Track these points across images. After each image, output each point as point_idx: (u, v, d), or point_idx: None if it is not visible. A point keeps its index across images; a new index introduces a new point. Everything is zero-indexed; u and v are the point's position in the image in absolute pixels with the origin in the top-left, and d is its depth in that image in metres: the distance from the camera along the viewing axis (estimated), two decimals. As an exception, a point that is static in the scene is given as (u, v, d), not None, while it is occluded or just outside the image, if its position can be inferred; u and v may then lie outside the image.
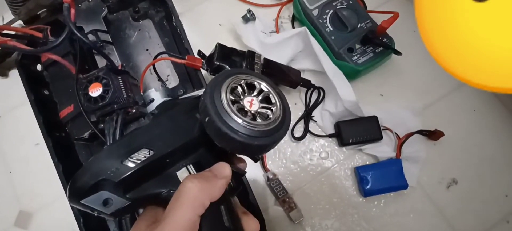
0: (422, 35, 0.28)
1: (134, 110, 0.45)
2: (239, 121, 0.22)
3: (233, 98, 0.24)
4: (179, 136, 0.26)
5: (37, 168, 0.56)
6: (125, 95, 0.44)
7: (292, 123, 0.57)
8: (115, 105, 0.43)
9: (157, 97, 0.49)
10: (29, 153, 0.58)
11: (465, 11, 0.24)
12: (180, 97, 0.41)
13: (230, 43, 0.60)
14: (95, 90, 0.43)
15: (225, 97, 0.23)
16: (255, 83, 0.26)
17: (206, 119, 0.23)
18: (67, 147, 0.52)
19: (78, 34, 0.37)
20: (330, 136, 0.55)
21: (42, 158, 0.51)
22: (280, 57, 0.57)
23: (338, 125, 0.55)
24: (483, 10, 0.23)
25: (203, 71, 0.50)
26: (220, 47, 0.48)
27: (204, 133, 0.24)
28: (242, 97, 0.25)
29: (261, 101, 0.26)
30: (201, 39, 0.61)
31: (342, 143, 0.54)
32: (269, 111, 0.25)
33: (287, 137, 0.57)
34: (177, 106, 0.29)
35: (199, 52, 0.49)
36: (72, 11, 0.40)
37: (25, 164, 0.58)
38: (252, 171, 0.55)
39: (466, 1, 0.24)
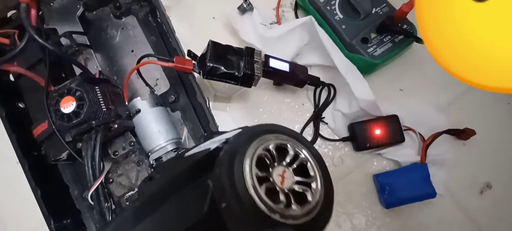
0: (422, 36, 0.27)
1: (116, 125, 0.39)
2: (270, 213, 0.16)
3: (261, 174, 0.18)
4: (185, 220, 0.19)
5: (21, 189, 0.51)
6: (104, 109, 0.38)
7: (301, 125, 0.50)
8: (93, 122, 0.37)
9: (143, 107, 0.42)
10: (11, 172, 0.52)
11: (465, 11, 0.25)
12: (185, 156, 0.33)
13: (225, 39, 0.53)
14: (68, 106, 0.36)
15: (250, 174, 0.17)
16: (288, 146, 0.20)
17: (224, 205, 0.17)
18: (47, 167, 0.46)
19: (39, 39, 0.31)
20: (343, 139, 0.49)
21: (24, 178, 0.46)
22: (284, 53, 0.50)
23: (352, 127, 0.48)
24: (483, 10, 0.24)
25: (196, 75, 0.43)
26: (213, 46, 0.41)
27: (216, 211, 0.18)
28: (271, 169, 0.19)
29: (296, 171, 0.19)
30: (193, 36, 0.54)
31: (358, 147, 0.48)
32: (307, 191, 0.19)
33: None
34: (182, 175, 0.23)
35: (189, 52, 0.42)
36: (33, 12, 0.33)
37: (7, 185, 0.53)
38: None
39: (466, 1, 0.24)
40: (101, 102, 0.38)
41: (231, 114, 0.53)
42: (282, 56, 0.47)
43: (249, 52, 0.43)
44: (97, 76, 0.40)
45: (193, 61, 0.42)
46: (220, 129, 0.51)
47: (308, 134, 0.50)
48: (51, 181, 0.45)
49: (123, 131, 0.41)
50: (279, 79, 0.48)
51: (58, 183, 0.47)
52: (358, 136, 0.47)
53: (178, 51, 0.44)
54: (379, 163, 0.48)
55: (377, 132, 0.47)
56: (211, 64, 0.40)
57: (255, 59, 0.43)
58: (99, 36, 0.51)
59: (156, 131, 0.41)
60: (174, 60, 0.40)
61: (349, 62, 0.46)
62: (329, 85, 0.50)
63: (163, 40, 0.49)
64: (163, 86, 0.50)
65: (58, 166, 0.47)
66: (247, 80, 0.42)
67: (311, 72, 0.49)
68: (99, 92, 0.39)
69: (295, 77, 0.46)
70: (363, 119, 0.48)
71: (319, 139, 0.50)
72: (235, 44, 0.46)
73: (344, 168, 0.49)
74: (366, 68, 0.48)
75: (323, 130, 0.50)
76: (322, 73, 0.51)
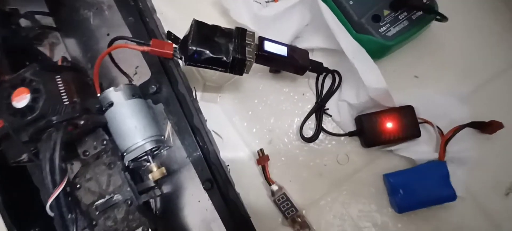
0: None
1: (83, 122, 0.33)
2: None
3: None
4: None
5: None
6: (67, 102, 0.32)
7: (301, 118, 0.44)
8: (54, 118, 0.31)
9: (117, 99, 0.36)
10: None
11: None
12: None
13: (215, 19, 0.46)
14: (21, 99, 0.30)
15: None
16: None
17: None
18: (11, 169, 0.40)
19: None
20: (350, 134, 0.43)
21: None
22: (281, 35, 0.43)
23: (360, 120, 0.42)
24: None
25: (181, 61, 0.37)
26: (197, 26, 0.35)
27: None
28: None
29: None
30: (178, 16, 0.47)
31: (367, 142, 0.42)
32: None
33: (295, 138, 0.44)
34: None
35: (169, 34, 0.35)
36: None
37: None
38: (251, 182, 0.43)
39: None
40: (62, 94, 0.32)
41: (222, 106, 0.47)
42: (279, 38, 0.41)
43: (240, 33, 0.36)
44: (59, 63, 0.34)
45: (174, 45, 0.35)
46: (209, 123, 0.45)
47: (310, 128, 0.44)
48: (17, 184, 0.40)
49: (93, 127, 0.35)
50: (276, 65, 0.42)
51: (26, 186, 0.41)
52: (366, 130, 0.41)
53: (156, 33, 0.38)
54: (391, 161, 0.42)
55: (389, 125, 0.41)
56: (194, 48, 0.33)
57: (247, 41, 0.36)
58: (70, 17, 0.45)
59: (132, 127, 0.35)
60: (151, 43, 0.34)
61: (358, 44, 0.40)
62: (334, 72, 0.44)
63: (142, 20, 0.43)
64: (144, 74, 0.44)
65: (27, 166, 0.42)
66: (238, 67, 0.35)
67: (313, 57, 0.43)
68: (60, 82, 0.32)
69: (294, 63, 0.40)
70: (372, 110, 0.42)
71: (321, 134, 0.44)
72: (226, 25, 0.39)
73: (350, 167, 0.43)
74: (378, 51, 0.41)
75: (327, 123, 0.44)
76: (325, 58, 0.44)
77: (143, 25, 0.42)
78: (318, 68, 0.43)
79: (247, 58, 0.35)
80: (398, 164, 0.42)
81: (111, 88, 0.37)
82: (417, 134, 0.41)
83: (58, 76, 0.33)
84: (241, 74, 0.37)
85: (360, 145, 0.43)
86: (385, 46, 0.40)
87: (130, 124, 0.36)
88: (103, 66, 0.41)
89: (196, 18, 0.36)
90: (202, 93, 0.47)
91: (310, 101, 0.45)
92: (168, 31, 0.36)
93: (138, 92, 0.39)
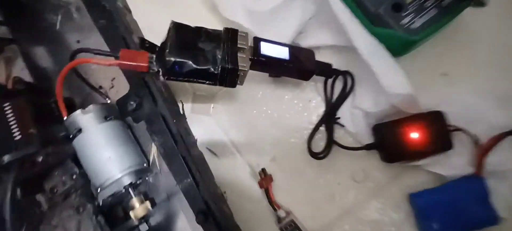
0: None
1: (41, 158, 0.27)
2: None
3: None
4: None
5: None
6: (18, 136, 0.25)
7: (308, 131, 0.38)
8: (5, 157, 0.25)
9: (87, 123, 0.30)
10: None
11: None
12: None
13: (201, 19, 0.39)
14: (-43, 137, 0.24)
15: None
16: None
17: None
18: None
19: None
20: (367, 147, 0.36)
21: None
22: (280, 32, 0.37)
23: (379, 130, 0.36)
24: None
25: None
26: (177, 30, 0.28)
27: None
28: None
29: None
30: (159, 18, 0.40)
31: (388, 157, 0.36)
32: None
33: (302, 153, 0.38)
34: None
35: (142, 41, 0.29)
36: None
37: None
38: (254, 208, 0.38)
39: None
40: (13, 126, 0.26)
41: (216, 118, 0.40)
42: (278, 38, 0.34)
43: (230, 35, 0.30)
44: (10, 86, 0.28)
45: (150, 54, 0.29)
46: (202, 139, 0.39)
47: (319, 142, 0.38)
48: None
49: (57, 162, 0.29)
50: (276, 71, 0.35)
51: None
52: (387, 142, 0.35)
53: (129, 40, 0.31)
54: (417, 177, 0.36)
55: (414, 135, 0.34)
56: (173, 59, 0.27)
57: (239, 45, 0.29)
58: (31, 24, 0.38)
59: (105, 158, 0.29)
60: (119, 55, 0.28)
61: (375, 40, 0.33)
62: (345, 74, 0.37)
63: (116, 24, 0.36)
64: (122, 87, 0.37)
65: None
66: (229, 78, 0.29)
67: (320, 56, 0.36)
68: (10, 111, 0.26)
69: (298, 67, 0.33)
70: (392, 117, 0.35)
71: (333, 147, 0.37)
72: (215, 24, 0.32)
73: (369, 185, 0.37)
74: (400, 48, 0.34)
75: (339, 135, 0.38)
76: (335, 57, 0.38)
77: (116, 28, 0.35)
78: (327, 71, 0.36)
79: (240, 67, 0.28)
80: (425, 180, 0.36)
81: (79, 111, 0.30)
82: (448, 145, 0.34)
83: (7, 104, 0.26)
84: (234, 86, 0.30)
85: (379, 159, 0.37)
86: (409, 42, 0.33)
87: (103, 154, 0.29)
88: (73, 78, 0.35)
89: (179, 18, 0.29)
90: (192, 105, 0.41)
91: (318, 109, 0.38)
92: (141, 38, 0.29)
93: (113, 112, 0.33)
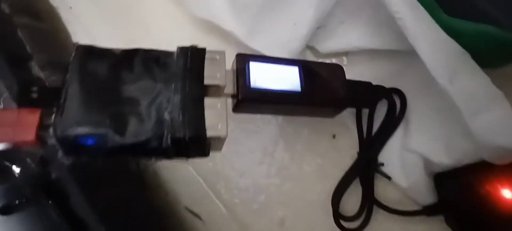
0: None
1: None
2: None
3: None
4: None
5: None
6: None
7: (334, 182, 0.25)
8: None
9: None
10: None
11: None
12: None
13: (166, 16, 0.25)
14: None
15: None
16: None
17: None
18: None
19: None
20: (428, 211, 0.23)
21: None
22: (285, 34, 0.22)
23: (447, 183, 0.22)
24: None
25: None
26: (81, 62, 0.14)
27: None
28: None
29: None
30: (100, 19, 0.26)
31: (461, 226, 0.23)
32: None
33: (325, 217, 0.25)
34: None
35: (27, 87, 0.15)
36: None
37: None
38: None
39: None
40: None
41: (195, 166, 0.27)
42: (282, 44, 0.20)
43: (191, 61, 0.16)
44: None
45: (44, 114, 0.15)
46: (178, 194, 0.27)
47: (352, 201, 0.24)
48: None
49: None
50: (280, 111, 0.21)
51: None
52: (461, 204, 0.22)
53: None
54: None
55: (508, 195, 0.21)
56: (74, 131, 0.13)
57: (207, 81, 0.16)
58: None
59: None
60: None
61: (454, 42, 0.19)
62: (392, 94, 0.23)
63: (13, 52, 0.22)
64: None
65: None
66: (192, 149, 0.15)
67: (349, 68, 0.22)
68: None
69: (319, 100, 0.19)
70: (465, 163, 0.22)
71: (375, 211, 0.24)
72: (189, 25, 0.18)
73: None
74: (498, 55, 0.19)
75: (383, 190, 0.24)
76: (373, 69, 0.23)
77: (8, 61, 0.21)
78: (366, 96, 0.22)
79: (210, 133, 0.15)
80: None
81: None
82: None
83: None
84: (206, 156, 0.17)
85: (446, 228, 0.24)
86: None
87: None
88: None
89: (79, 43, 0.15)
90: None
91: (347, 150, 0.25)
92: (28, 79, 0.15)
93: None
